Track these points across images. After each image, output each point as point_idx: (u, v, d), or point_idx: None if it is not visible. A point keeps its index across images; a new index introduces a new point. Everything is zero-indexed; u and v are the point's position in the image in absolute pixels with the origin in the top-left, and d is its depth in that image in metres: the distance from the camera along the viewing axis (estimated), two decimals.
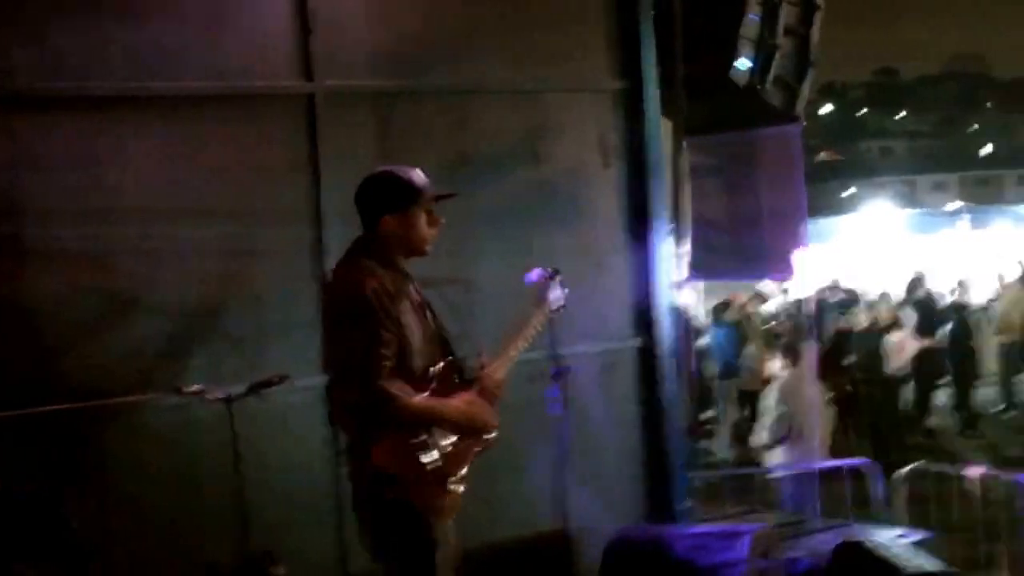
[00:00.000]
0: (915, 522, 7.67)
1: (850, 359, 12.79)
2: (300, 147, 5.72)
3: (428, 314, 4.03)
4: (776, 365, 10.70)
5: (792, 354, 9.83)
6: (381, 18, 5.98)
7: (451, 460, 3.85)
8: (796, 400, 9.46)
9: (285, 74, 5.74)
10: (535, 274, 4.39)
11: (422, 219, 3.99)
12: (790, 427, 9.29)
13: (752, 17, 7.31)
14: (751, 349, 12.91)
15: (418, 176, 4.02)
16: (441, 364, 3.96)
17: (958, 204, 28.57)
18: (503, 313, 4.83)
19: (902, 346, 12.79)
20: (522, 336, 4.18)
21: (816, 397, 10.05)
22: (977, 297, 16.36)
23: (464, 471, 3.93)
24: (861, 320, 13.74)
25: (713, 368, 13.30)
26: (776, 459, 9.26)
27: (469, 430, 3.93)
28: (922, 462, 8.74)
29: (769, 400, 9.71)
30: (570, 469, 4.66)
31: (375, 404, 3.70)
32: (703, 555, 5.28)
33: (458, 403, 3.93)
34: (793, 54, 7.67)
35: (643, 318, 6.56)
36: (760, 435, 9.74)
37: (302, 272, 5.61)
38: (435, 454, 3.80)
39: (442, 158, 5.88)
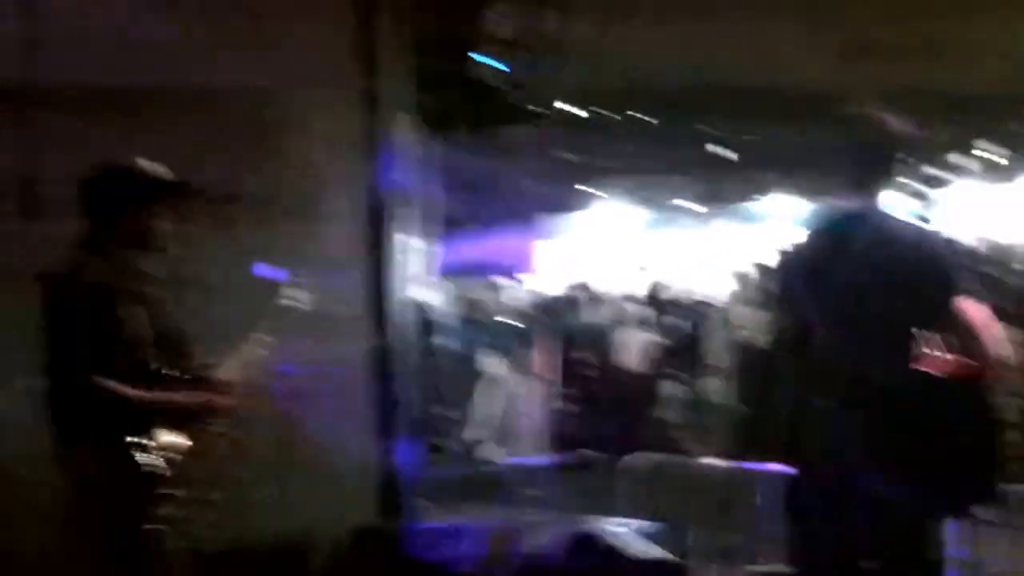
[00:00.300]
0: (648, 512, 7.87)
1: (586, 355, 13.07)
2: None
3: (159, 312, 3.93)
4: (502, 360, 10.90)
5: (521, 349, 10.08)
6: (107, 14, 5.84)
7: (175, 463, 3.76)
8: (518, 395, 9.74)
9: None
10: (270, 271, 4.35)
11: (157, 215, 3.90)
12: (513, 423, 9.56)
13: (500, 16, 7.38)
14: (491, 345, 13.01)
15: (154, 170, 3.93)
16: (171, 364, 3.88)
17: (691, 204, 29.56)
18: (237, 312, 4.75)
19: (637, 342, 13.13)
20: (257, 336, 4.14)
21: (542, 392, 10.36)
22: (712, 294, 16.90)
23: (193, 476, 3.85)
24: (597, 316, 14.06)
25: (455, 364, 13.36)
26: (500, 454, 9.48)
27: (193, 429, 3.85)
28: (655, 453, 8.98)
29: (492, 395, 9.93)
30: (302, 470, 4.63)
31: (84, 399, 3.59)
32: (437, 552, 5.29)
33: (181, 399, 3.84)
34: (539, 54, 7.78)
35: (380, 316, 6.55)
36: (484, 430, 9.94)
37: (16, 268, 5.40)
38: (154, 456, 3.70)
39: (174, 156, 5.74)
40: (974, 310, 4.06)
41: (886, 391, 4.03)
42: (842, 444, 4.09)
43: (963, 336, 4.04)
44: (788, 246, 4.52)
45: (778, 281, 4.57)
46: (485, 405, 10.24)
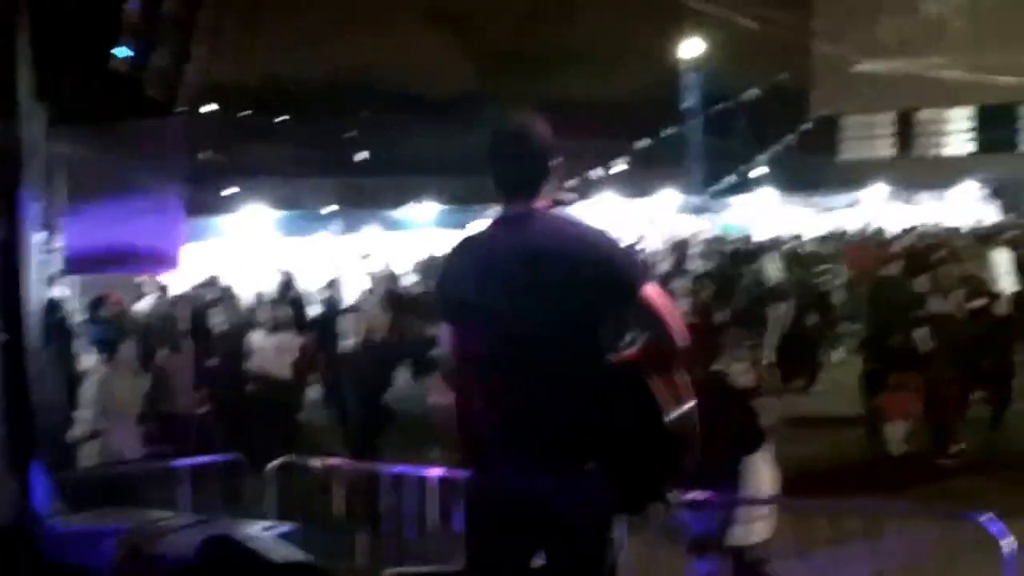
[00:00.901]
0: (284, 515, 7.86)
1: (224, 356, 12.91)
2: None
3: None
4: (131, 359, 10.72)
5: (108, 349, 10.09)
6: None
7: None
8: (109, 395, 9.72)
9: None
10: None
11: None
12: (103, 422, 9.53)
13: (133, 4, 7.18)
14: (120, 343, 12.63)
15: None
16: None
17: (333, 207, 29.78)
18: None
19: (275, 344, 13.06)
20: None
21: (175, 392, 10.30)
22: (346, 297, 17.03)
23: None
24: (236, 318, 13.92)
25: (84, 362, 12.90)
26: (90, 454, 9.52)
27: None
28: (290, 456, 8.98)
29: (87, 394, 9.84)
30: None
31: None
32: (69, 556, 5.14)
33: None
34: (176, 46, 7.61)
35: (9, 313, 6.27)
36: (76, 428, 9.83)
37: None
38: None
39: None
40: (656, 297, 4.17)
41: (561, 388, 4.08)
42: (512, 441, 4.12)
43: (649, 324, 4.13)
44: (449, 251, 4.51)
45: (441, 286, 4.53)
46: (100, 403, 10.00)
